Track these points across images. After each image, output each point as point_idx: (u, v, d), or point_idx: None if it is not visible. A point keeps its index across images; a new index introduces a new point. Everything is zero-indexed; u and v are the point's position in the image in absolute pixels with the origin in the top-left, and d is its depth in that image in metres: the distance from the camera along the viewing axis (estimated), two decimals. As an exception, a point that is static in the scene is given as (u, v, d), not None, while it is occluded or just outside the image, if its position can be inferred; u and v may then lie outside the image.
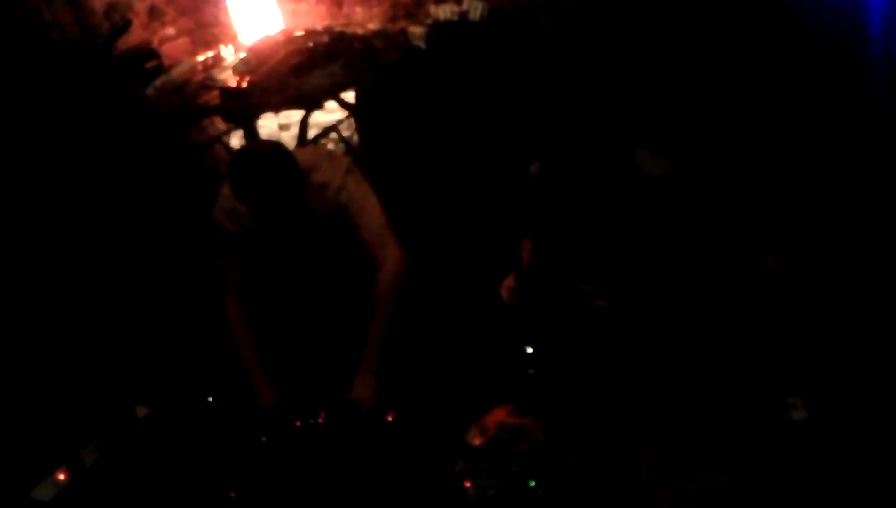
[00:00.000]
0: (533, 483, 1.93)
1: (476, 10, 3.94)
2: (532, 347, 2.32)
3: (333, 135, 4.31)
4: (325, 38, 3.92)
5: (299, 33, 4.03)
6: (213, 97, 3.89)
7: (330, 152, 3.20)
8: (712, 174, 2.57)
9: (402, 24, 4.53)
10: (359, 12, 4.85)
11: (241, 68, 3.90)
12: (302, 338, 2.69)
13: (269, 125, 4.36)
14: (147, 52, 4.20)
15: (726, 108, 3.36)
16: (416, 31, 4.11)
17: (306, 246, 2.62)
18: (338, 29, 4.09)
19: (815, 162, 3.02)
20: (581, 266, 2.37)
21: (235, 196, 2.46)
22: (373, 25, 4.49)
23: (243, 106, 3.77)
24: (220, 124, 4.22)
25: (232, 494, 2.17)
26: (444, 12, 4.05)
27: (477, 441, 2.08)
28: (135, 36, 4.24)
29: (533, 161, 2.38)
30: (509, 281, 2.49)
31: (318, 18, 4.86)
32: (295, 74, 3.80)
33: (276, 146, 2.55)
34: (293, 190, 2.45)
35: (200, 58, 4.38)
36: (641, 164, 2.17)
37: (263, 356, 2.61)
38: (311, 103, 3.90)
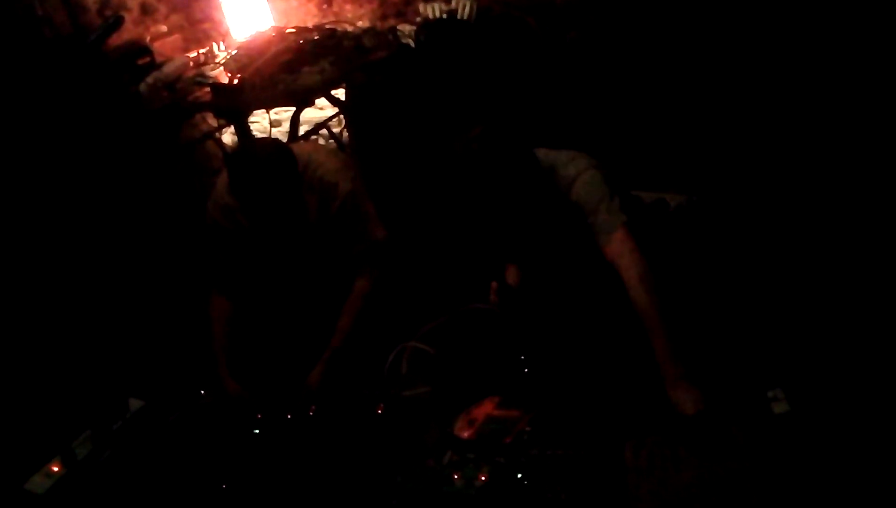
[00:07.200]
0: (520, 475, 1.96)
1: (465, 9, 3.97)
2: (523, 351, 2.34)
3: (324, 131, 4.34)
4: (316, 36, 3.92)
5: (290, 30, 4.01)
6: (205, 94, 3.87)
7: (328, 149, 3.19)
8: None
9: (391, 21, 4.58)
10: (349, 10, 4.89)
11: (233, 65, 3.89)
12: (282, 331, 2.70)
13: (260, 122, 4.37)
14: (139, 49, 4.18)
15: (715, 107, 3.40)
16: (406, 28, 4.15)
17: (295, 242, 2.63)
18: (328, 26, 4.09)
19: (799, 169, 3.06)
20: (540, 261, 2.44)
21: (232, 191, 2.44)
22: (363, 23, 4.53)
23: (234, 102, 3.77)
24: (212, 121, 4.22)
25: (224, 486, 2.19)
26: (432, 10, 4.09)
27: (465, 434, 2.10)
28: (127, 32, 4.25)
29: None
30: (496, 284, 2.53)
31: (308, 16, 4.91)
32: (285, 70, 3.79)
33: (276, 144, 2.54)
34: (291, 189, 2.45)
35: (192, 54, 4.40)
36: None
37: (244, 346, 2.64)
38: (302, 100, 3.90)
